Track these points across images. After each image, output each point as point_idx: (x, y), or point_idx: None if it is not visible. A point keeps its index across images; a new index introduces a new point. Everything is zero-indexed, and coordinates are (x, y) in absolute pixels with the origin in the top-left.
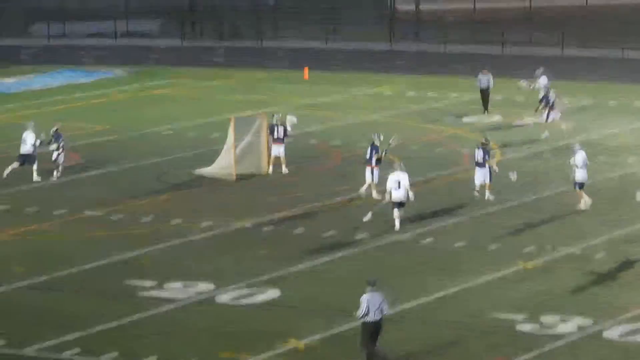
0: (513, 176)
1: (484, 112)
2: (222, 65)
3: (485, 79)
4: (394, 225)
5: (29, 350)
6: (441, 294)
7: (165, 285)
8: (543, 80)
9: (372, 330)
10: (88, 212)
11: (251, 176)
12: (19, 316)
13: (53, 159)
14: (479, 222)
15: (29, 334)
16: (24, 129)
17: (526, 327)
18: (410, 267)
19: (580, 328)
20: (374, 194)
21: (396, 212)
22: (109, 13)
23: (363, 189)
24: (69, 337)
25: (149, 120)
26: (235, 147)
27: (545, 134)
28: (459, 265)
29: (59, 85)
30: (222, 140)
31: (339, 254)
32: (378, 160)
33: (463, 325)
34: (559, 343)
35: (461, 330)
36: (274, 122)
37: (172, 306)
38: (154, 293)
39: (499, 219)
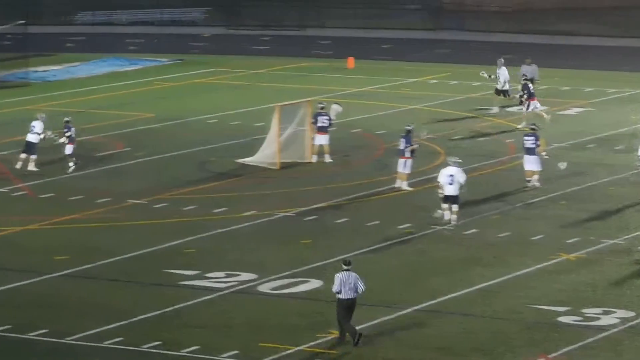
0: (563, 166)
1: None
2: (267, 54)
3: (530, 69)
4: (446, 219)
5: (71, 339)
6: (483, 286)
7: (208, 275)
8: (503, 72)
9: (346, 307)
10: (131, 201)
11: (295, 165)
12: (61, 305)
13: (66, 152)
14: (522, 213)
15: (71, 323)
16: (35, 118)
17: (568, 320)
18: (453, 258)
19: (623, 321)
20: (403, 185)
21: (446, 206)
22: (155, 1)
23: (403, 184)
24: (111, 326)
25: (193, 109)
26: (279, 135)
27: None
28: (501, 257)
29: (104, 74)
30: (266, 129)
31: (382, 245)
32: (412, 151)
33: (504, 317)
34: (601, 336)
35: (502, 323)
36: (318, 111)
37: (213, 296)
38: (196, 282)
39: (543, 209)
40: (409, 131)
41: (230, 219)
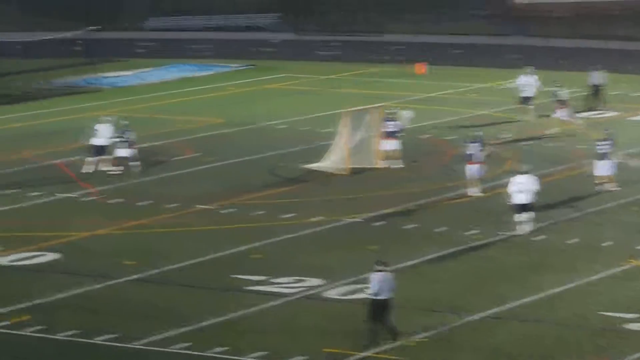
0: (633, 162)
1: (594, 108)
2: (337, 59)
3: (599, 75)
4: (516, 229)
5: (138, 344)
6: (550, 292)
7: (275, 280)
8: (532, 80)
9: (380, 307)
10: (200, 206)
11: (363, 171)
12: (129, 310)
13: (123, 155)
14: (592, 218)
15: (138, 328)
16: (100, 121)
17: (635, 327)
18: (521, 264)
19: None
20: (471, 191)
21: (518, 216)
22: (226, 7)
23: (474, 190)
24: (177, 331)
25: (262, 114)
26: (348, 141)
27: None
28: (570, 263)
29: (175, 79)
30: (335, 134)
31: (450, 251)
32: (485, 157)
33: (571, 324)
34: None
35: (569, 329)
36: (388, 116)
37: (280, 301)
38: (263, 288)
39: (613, 215)
40: (478, 137)
41: (298, 225)
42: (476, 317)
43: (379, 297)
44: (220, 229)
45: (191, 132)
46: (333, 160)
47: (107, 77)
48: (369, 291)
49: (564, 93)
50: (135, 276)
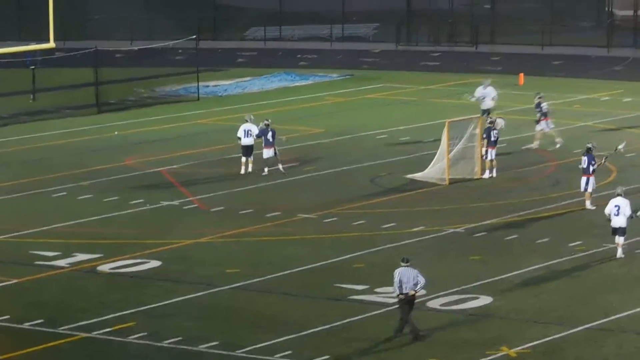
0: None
1: None
2: (437, 70)
3: None
4: (615, 253)
5: (242, 352)
6: None
7: (377, 290)
8: (490, 91)
9: (405, 301)
10: (301, 215)
11: (464, 181)
12: (232, 318)
13: (269, 155)
14: None
15: (242, 335)
16: (245, 120)
17: None
18: (626, 276)
19: None
20: (588, 205)
21: (617, 239)
22: (326, 16)
23: (587, 203)
24: (281, 339)
25: (362, 124)
26: (449, 151)
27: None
28: None
29: (275, 88)
30: (436, 144)
31: (554, 261)
32: (593, 170)
33: None
34: None
35: None
36: (488, 125)
37: (382, 311)
38: (366, 297)
39: None
40: (590, 149)
41: (400, 234)
42: (581, 328)
43: (404, 292)
44: (322, 238)
45: (291, 142)
46: (434, 170)
47: (207, 86)
48: (395, 290)
49: (546, 105)
50: (238, 284)
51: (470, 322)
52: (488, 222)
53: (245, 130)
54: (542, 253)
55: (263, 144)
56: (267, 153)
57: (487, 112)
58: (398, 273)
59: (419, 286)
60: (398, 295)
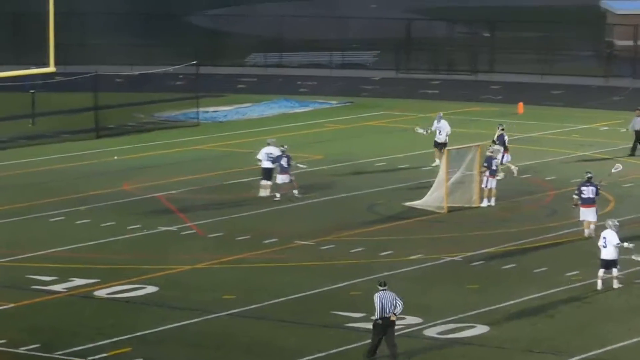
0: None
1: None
2: (436, 98)
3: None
4: (596, 285)
5: None
6: None
7: (374, 317)
8: (444, 125)
9: (386, 325)
10: (298, 242)
11: (462, 209)
12: (228, 344)
13: (284, 181)
14: None
15: None
16: (267, 144)
17: None
18: (623, 306)
19: None
20: (587, 233)
21: (601, 272)
22: (325, 44)
23: (586, 231)
24: None
25: (362, 151)
26: (448, 179)
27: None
28: None
29: (274, 115)
30: (434, 172)
31: (550, 291)
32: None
33: None
34: None
35: None
36: (489, 154)
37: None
38: (363, 325)
39: None
40: (590, 178)
41: (397, 262)
42: (577, 358)
43: (383, 316)
44: (319, 265)
45: (291, 169)
46: (433, 198)
47: (207, 111)
48: (375, 315)
49: (507, 137)
50: (234, 310)
51: (466, 351)
52: (485, 250)
53: (266, 153)
54: (539, 282)
55: (278, 170)
56: (282, 179)
57: (442, 145)
58: (378, 297)
59: (398, 309)
60: (377, 319)
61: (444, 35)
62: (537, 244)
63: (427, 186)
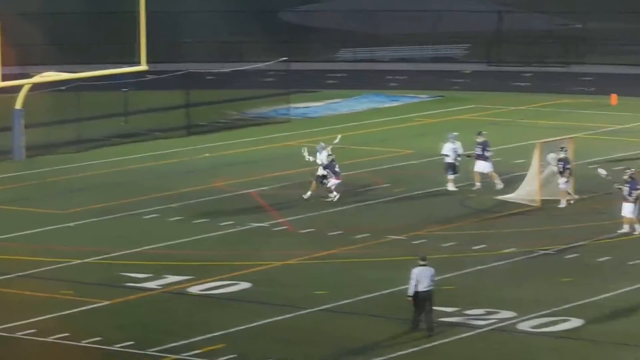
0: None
1: None
2: (528, 90)
3: None
4: None
5: None
6: None
7: (467, 312)
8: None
9: (422, 298)
10: (390, 237)
11: (555, 202)
12: (319, 340)
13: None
14: None
15: (330, 357)
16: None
17: None
18: None
19: None
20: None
21: None
22: (416, 38)
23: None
24: None
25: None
26: (541, 172)
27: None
28: None
29: (364, 110)
30: (527, 166)
31: None
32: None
33: None
34: None
35: None
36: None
37: (472, 333)
38: (455, 319)
39: None
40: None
41: (490, 256)
42: None
43: (420, 289)
44: (411, 260)
45: (381, 163)
46: (525, 192)
47: (298, 107)
48: (409, 291)
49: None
50: (326, 306)
51: (560, 345)
52: (579, 243)
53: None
54: (633, 275)
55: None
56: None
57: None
58: (414, 272)
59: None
60: (409, 296)
61: (535, 27)
62: (631, 237)
63: (520, 179)
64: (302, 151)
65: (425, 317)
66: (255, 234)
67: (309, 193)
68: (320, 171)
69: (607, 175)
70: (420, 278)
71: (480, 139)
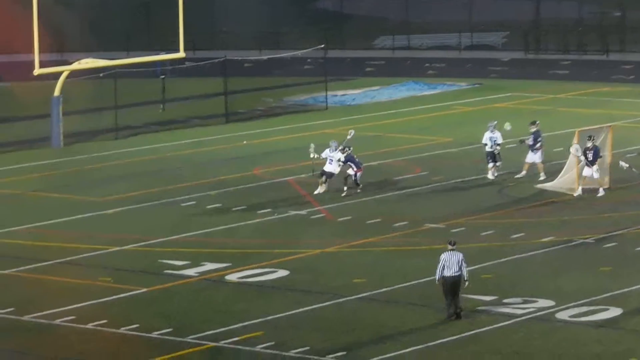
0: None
1: None
2: (566, 79)
3: None
4: None
5: None
6: None
7: (505, 301)
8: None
9: (451, 283)
10: (429, 225)
11: (593, 190)
12: (359, 328)
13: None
14: None
15: (368, 346)
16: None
17: None
18: None
19: None
20: None
21: None
22: (454, 26)
23: None
24: (407, 350)
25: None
26: (579, 161)
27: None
28: None
29: (403, 98)
30: (565, 154)
31: None
32: None
33: None
34: None
35: None
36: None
37: (510, 322)
38: (493, 308)
39: None
40: None
41: (529, 245)
42: None
43: (447, 274)
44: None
45: (419, 151)
46: (564, 180)
47: (335, 95)
48: (438, 271)
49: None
50: (364, 294)
51: (599, 335)
52: (618, 232)
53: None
54: None
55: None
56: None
57: (492, 155)
58: (442, 257)
59: (464, 273)
60: (438, 280)
61: (574, 15)
62: None
63: (559, 168)
64: (310, 148)
65: (452, 301)
66: (293, 222)
67: (320, 189)
68: (328, 167)
69: (629, 167)
70: (449, 263)
71: (532, 129)
